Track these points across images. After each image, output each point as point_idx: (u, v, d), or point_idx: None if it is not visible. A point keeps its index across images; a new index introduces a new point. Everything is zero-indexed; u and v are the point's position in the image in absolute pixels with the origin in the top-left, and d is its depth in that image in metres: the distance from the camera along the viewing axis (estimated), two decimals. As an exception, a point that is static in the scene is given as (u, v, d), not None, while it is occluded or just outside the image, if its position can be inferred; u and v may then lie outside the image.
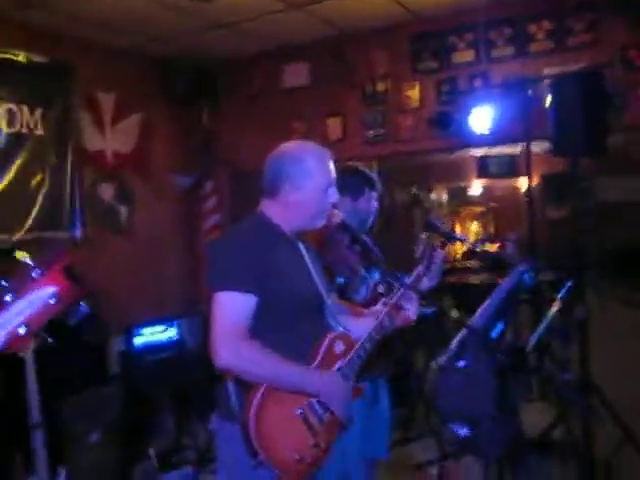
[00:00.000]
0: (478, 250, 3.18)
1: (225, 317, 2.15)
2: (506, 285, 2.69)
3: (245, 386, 2.18)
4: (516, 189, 11.88)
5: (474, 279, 8.22)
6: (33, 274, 1.77)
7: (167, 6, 5.07)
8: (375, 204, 3.34)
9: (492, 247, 3.23)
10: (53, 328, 4.36)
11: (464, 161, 11.38)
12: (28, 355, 3.70)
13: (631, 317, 5.20)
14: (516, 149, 9.03)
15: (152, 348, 5.40)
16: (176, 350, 5.47)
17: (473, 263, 9.49)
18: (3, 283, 1.83)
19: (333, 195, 2.39)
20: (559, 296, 3.31)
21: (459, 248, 10.61)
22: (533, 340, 3.49)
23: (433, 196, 11.61)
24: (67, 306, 1.87)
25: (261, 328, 2.20)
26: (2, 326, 1.73)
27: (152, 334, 5.43)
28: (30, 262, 1.82)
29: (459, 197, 12.19)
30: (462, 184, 12.27)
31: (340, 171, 2.50)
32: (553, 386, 5.26)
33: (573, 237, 4.32)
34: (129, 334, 5.33)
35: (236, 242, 2.29)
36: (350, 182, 3.12)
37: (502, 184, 12.16)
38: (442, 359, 2.41)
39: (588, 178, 9.34)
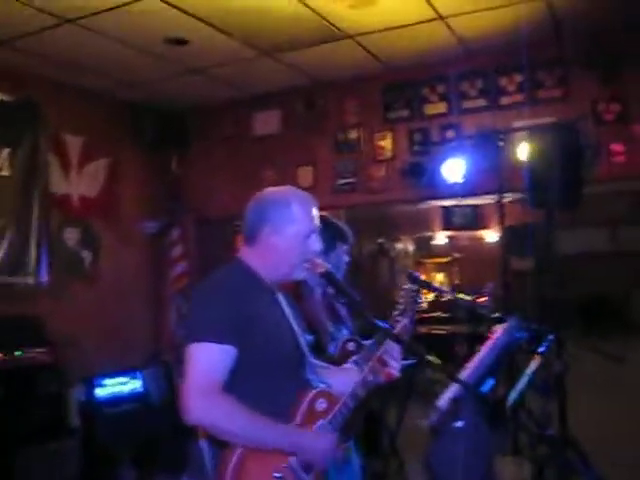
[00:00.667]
0: (459, 301, 3.09)
1: (198, 370, 2.02)
2: (500, 341, 2.60)
3: (220, 445, 2.03)
4: (480, 240, 12.01)
5: (441, 329, 8.20)
6: None
7: (140, 50, 5.02)
8: (346, 258, 3.21)
9: (467, 298, 3.18)
10: (5, 378, 4.19)
11: (429, 212, 11.47)
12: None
13: (603, 368, 5.19)
14: (480, 200, 9.13)
15: (114, 400, 5.16)
16: (140, 402, 5.24)
17: (440, 314, 9.50)
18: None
19: (315, 243, 2.30)
20: (540, 351, 3.24)
21: (426, 299, 10.62)
22: (514, 395, 3.41)
23: (399, 246, 11.66)
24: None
25: (237, 383, 2.07)
26: None
27: (114, 385, 5.20)
28: None
29: (424, 247, 12.26)
30: (427, 234, 12.36)
31: None
32: (529, 440, 5.18)
33: (539, 289, 4.31)
34: (90, 385, 5.09)
35: (214, 291, 2.16)
36: (321, 235, 2.95)
37: (466, 235, 12.28)
38: (432, 418, 2.29)
39: (552, 230, 9.49)
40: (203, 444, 2.08)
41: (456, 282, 11.79)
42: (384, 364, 2.37)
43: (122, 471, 5.24)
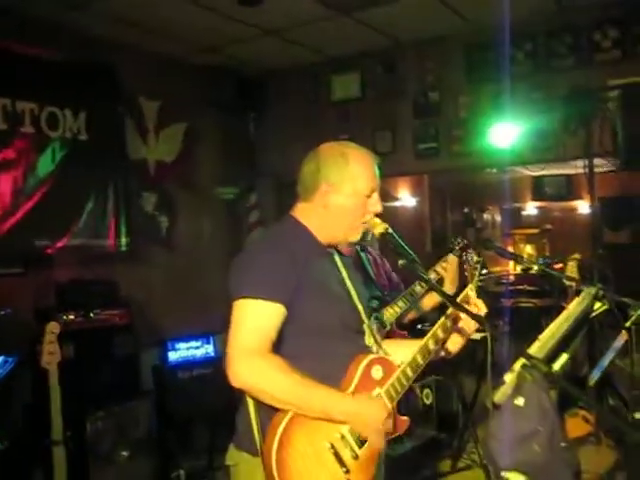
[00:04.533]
0: (535, 269, 2.88)
1: (247, 328, 1.90)
2: (574, 312, 2.37)
3: (268, 412, 1.91)
4: (572, 211, 11.49)
5: (528, 302, 7.95)
6: None
7: (214, 12, 4.93)
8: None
9: (553, 267, 2.96)
10: (81, 338, 4.26)
11: (519, 181, 11.06)
12: (52, 368, 3.57)
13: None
14: (573, 170, 8.69)
15: (187, 364, 5.21)
16: (211, 367, 5.25)
17: (526, 286, 9.17)
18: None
19: (376, 204, 2.13)
20: (627, 325, 2.97)
21: (513, 271, 10.27)
22: (597, 373, 3.16)
23: (486, 216, 11.31)
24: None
25: (287, 345, 1.95)
26: None
27: (187, 349, 5.24)
28: None
29: (513, 218, 11.86)
30: (516, 205, 11.93)
31: None
32: (615, 425, 4.88)
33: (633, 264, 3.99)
34: (164, 348, 5.15)
35: (265, 248, 2.05)
36: None
37: (558, 206, 11.78)
38: (496, 395, 2.10)
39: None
40: (250, 411, 1.97)
41: (546, 254, 11.37)
42: (449, 332, 2.20)
43: (194, 434, 5.30)
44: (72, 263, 5.00)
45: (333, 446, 1.91)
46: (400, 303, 3.36)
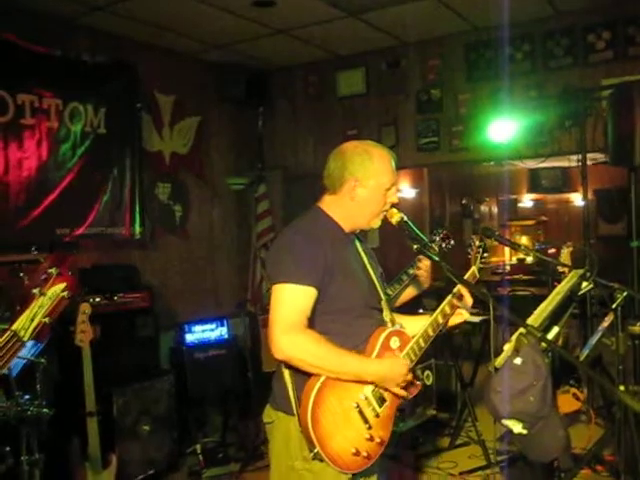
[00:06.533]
0: (529, 258, 3.17)
1: (285, 309, 2.20)
2: (563, 287, 2.69)
3: (302, 377, 2.23)
4: (568, 203, 11.76)
5: (525, 291, 8.19)
6: (50, 271, 1.99)
7: (228, 12, 5.17)
8: None
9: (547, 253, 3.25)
10: (105, 320, 4.53)
11: (516, 174, 11.30)
12: (85, 345, 3.87)
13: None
14: (568, 162, 8.94)
15: (202, 345, 5.51)
16: (226, 348, 5.56)
17: (522, 276, 9.46)
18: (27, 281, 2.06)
19: (394, 195, 2.44)
20: (613, 307, 3.27)
21: (509, 261, 10.58)
22: (586, 350, 3.47)
23: (484, 208, 11.56)
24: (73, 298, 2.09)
25: (319, 321, 2.26)
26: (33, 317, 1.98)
27: (203, 332, 5.54)
28: (42, 260, 2.06)
29: (510, 210, 12.11)
30: (513, 197, 12.20)
31: None
32: (604, 400, 5.20)
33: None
34: (181, 331, 5.44)
35: (298, 237, 2.34)
36: None
37: (554, 198, 12.04)
38: (497, 360, 2.41)
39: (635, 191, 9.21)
40: (286, 376, 2.28)
41: (541, 242, 11.62)
42: (455, 307, 2.50)
43: (210, 412, 5.61)
44: (91, 249, 5.26)
45: (358, 405, 2.24)
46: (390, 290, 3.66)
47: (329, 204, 2.44)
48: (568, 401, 4.55)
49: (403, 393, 2.29)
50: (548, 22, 5.50)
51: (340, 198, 2.41)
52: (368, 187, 2.37)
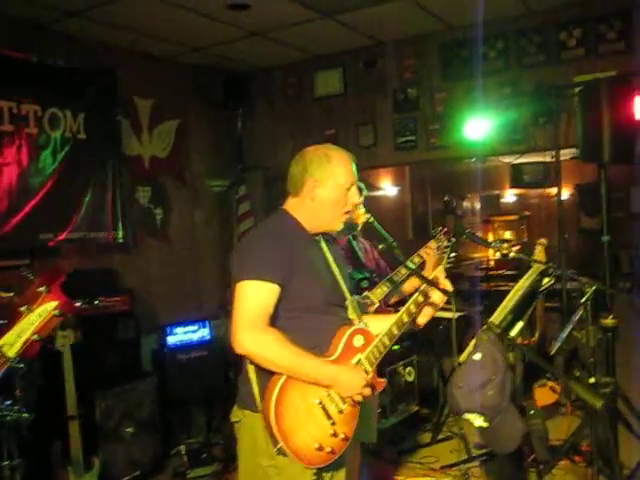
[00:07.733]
0: (499, 254, 3.23)
1: (248, 305, 2.25)
2: (523, 284, 2.75)
3: (266, 375, 2.27)
4: (550, 198, 11.84)
5: (507, 286, 8.25)
6: (39, 290, 2.03)
7: (203, 16, 5.20)
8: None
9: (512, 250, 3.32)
10: (86, 324, 4.56)
11: (497, 170, 11.38)
12: (66, 350, 3.91)
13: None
14: (549, 158, 9.03)
15: (184, 347, 5.54)
16: (208, 349, 5.60)
17: (504, 271, 9.53)
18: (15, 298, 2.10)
19: (355, 195, 2.50)
20: (582, 301, 3.34)
21: (492, 256, 10.65)
22: (557, 343, 3.54)
23: (466, 204, 11.65)
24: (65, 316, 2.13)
25: (281, 318, 2.31)
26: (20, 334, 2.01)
27: (185, 333, 5.57)
28: (33, 278, 2.08)
29: (492, 205, 12.20)
30: (495, 192, 12.28)
31: None
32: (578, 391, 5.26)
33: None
34: (163, 333, 5.48)
35: (263, 236, 2.40)
36: None
37: (536, 193, 12.13)
38: (462, 356, 2.47)
39: (621, 189, 9.31)
40: (251, 374, 2.33)
41: (524, 240, 11.71)
42: (422, 305, 2.54)
43: (193, 413, 5.64)
44: (73, 254, 5.29)
45: (321, 402, 2.29)
46: (388, 284, 3.76)
47: (292, 206, 2.50)
48: (545, 394, 4.63)
49: (358, 399, 2.32)
50: (521, 20, 5.56)
51: (302, 200, 2.47)
52: (327, 187, 2.43)
